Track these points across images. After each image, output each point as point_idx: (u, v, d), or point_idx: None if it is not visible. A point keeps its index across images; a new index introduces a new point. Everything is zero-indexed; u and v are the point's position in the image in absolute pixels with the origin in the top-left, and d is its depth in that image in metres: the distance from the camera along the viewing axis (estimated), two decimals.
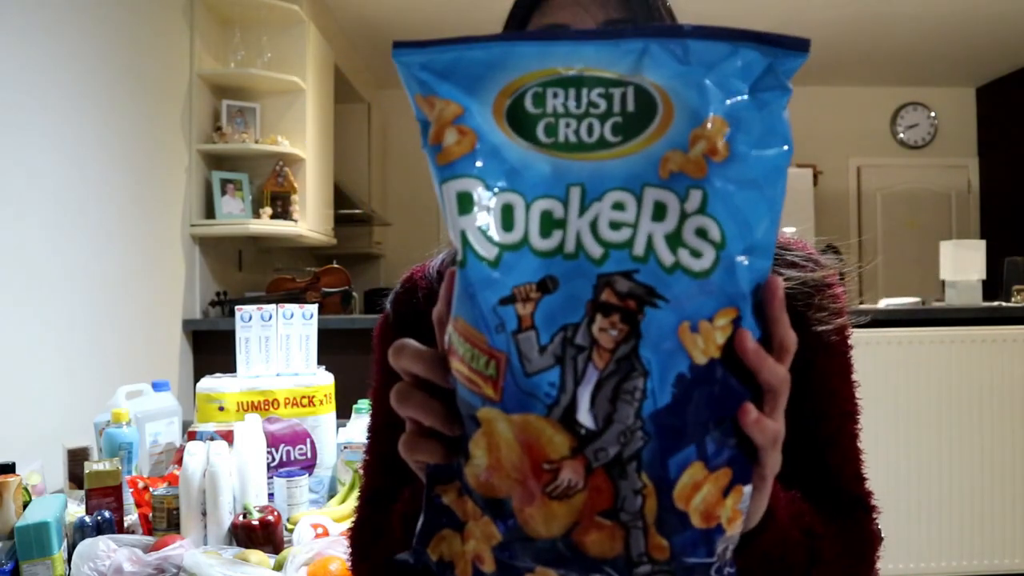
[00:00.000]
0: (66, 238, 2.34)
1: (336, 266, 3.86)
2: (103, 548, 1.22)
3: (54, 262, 2.27)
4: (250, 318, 1.85)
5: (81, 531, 1.32)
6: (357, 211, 4.71)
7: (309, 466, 1.67)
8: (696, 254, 0.40)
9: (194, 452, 1.38)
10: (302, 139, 3.52)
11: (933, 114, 6.14)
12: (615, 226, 0.40)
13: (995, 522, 2.96)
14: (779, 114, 0.42)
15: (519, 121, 0.42)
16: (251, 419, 1.57)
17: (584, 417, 0.40)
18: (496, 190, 0.41)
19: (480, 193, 0.41)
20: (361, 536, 0.75)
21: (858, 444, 0.71)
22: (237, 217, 3.28)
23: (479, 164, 0.42)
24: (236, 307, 1.88)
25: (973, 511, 2.96)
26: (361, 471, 0.81)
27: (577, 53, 0.42)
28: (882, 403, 2.93)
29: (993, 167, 5.99)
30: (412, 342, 0.46)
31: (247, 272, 3.77)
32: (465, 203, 0.41)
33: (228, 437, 1.51)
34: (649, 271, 0.40)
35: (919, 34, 4.96)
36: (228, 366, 1.91)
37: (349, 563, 0.76)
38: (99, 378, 2.43)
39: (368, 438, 0.80)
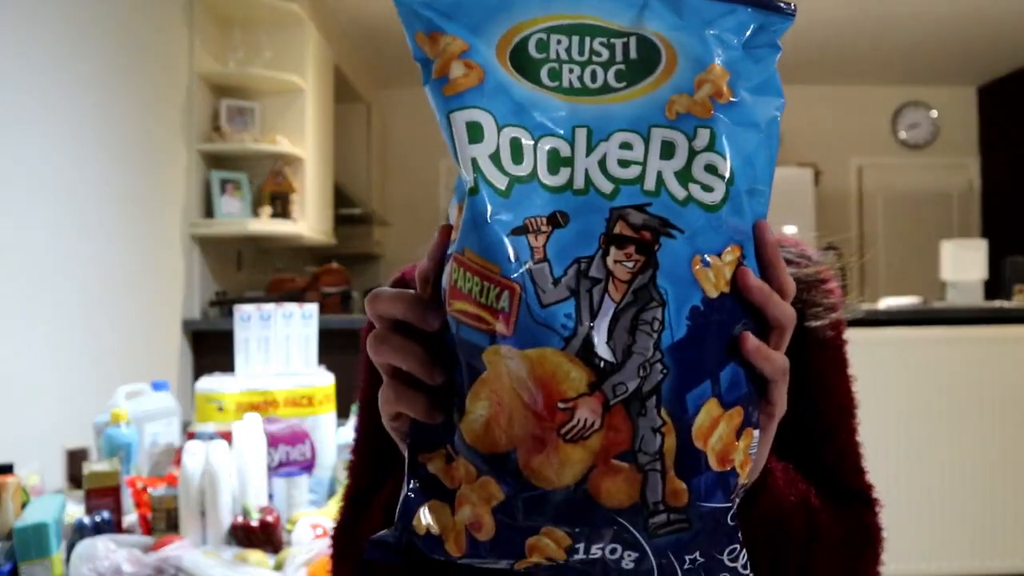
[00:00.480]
0: (66, 238, 2.33)
1: (336, 266, 3.86)
2: (102, 548, 1.21)
3: (54, 262, 2.27)
4: (249, 318, 1.85)
5: (80, 532, 1.32)
6: (357, 211, 4.70)
7: (309, 466, 1.67)
8: (707, 188, 0.41)
9: (193, 452, 1.38)
10: (302, 139, 3.52)
11: (934, 113, 6.14)
12: (624, 164, 0.41)
13: (995, 522, 2.96)
14: (772, 69, 0.45)
15: (523, 64, 0.43)
16: (250, 419, 1.56)
17: (602, 349, 0.39)
18: (504, 124, 0.42)
19: (489, 124, 0.42)
20: (343, 537, 0.74)
21: (856, 438, 0.70)
22: (236, 217, 3.27)
23: (487, 97, 0.42)
24: (235, 306, 1.88)
25: (974, 511, 2.96)
26: (346, 471, 0.80)
27: (580, 3, 0.43)
28: (883, 403, 2.92)
29: (994, 167, 5.98)
30: (387, 288, 0.45)
31: (247, 272, 3.77)
32: (475, 132, 0.42)
33: (227, 437, 1.51)
34: (662, 204, 0.41)
35: (920, 33, 4.95)
36: (228, 366, 1.91)
37: (330, 564, 0.74)
38: (98, 378, 2.43)
39: (354, 439, 0.78)
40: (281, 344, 1.87)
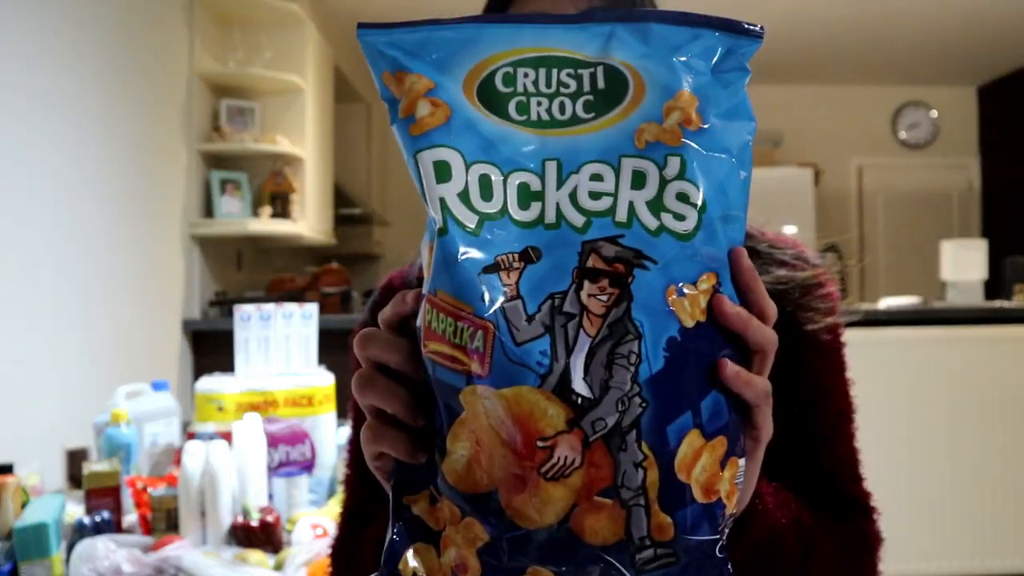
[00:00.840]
0: (66, 238, 2.33)
1: (336, 266, 3.86)
2: (102, 548, 1.21)
3: (54, 262, 2.27)
4: (249, 318, 1.85)
5: (80, 532, 1.31)
6: (357, 211, 4.71)
7: (309, 466, 1.67)
8: (679, 217, 0.41)
9: (193, 452, 1.38)
10: (302, 139, 3.52)
11: (934, 113, 6.14)
12: (595, 196, 0.41)
13: (995, 522, 2.96)
14: (742, 93, 0.44)
15: (490, 99, 0.43)
16: (250, 419, 1.56)
17: (579, 385, 0.38)
18: (472, 161, 0.42)
19: (457, 162, 0.42)
20: (339, 558, 0.73)
21: (855, 444, 0.70)
22: (236, 217, 3.27)
23: (454, 135, 0.42)
24: (235, 306, 1.88)
25: (974, 511, 2.96)
26: (342, 485, 0.78)
27: (546, 36, 0.43)
28: (883, 403, 2.92)
29: (994, 166, 5.98)
30: (382, 331, 0.45)
31: (247, 272, 3.77)
32: (443, 171, 0.41)
33: (227, 437, 1.51)
34: (634, 235, 0.40)
35: (920, 33, 4.95)
36: (228, 366, 1.91)
37: None
38: (98, 378, 2.43)
39: (348, 451, 0.76)
40: (281, 344, 1.87)
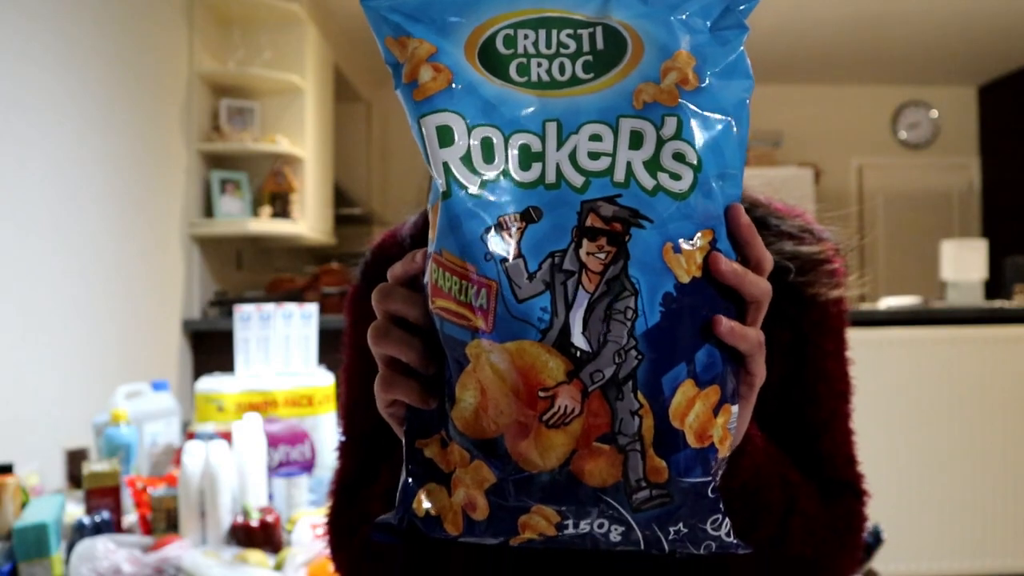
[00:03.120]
0: (65, 238, 2.33)
1: (336, 266, 3.86)
2: (102, 548, 1.21)
3: (53, 262, 2.27)
4: (249, 318, 1.85)
5: (80, 532, 1.31)
6: (357, 211, 4.71)
7: (308, 466, 1.67)
8: (675, 177, 0.42)
9: (193, 452, 1.38)
10: (301, 139, 3.52)
11: (934, 113, 6.14)
12: (594, 156, 0.42)
13: (995, 522, 2.96)
14: (740, 51, 0.45)
15: (491, 61, 0.44)
16: (250, 419, 1.56)
17: (578, 339, 0.40)
18: (474, 124, 0.43)
19: (459, 126, 0.43)
20: (337, 525, 0.73)
21: (850, 425, 0.69)
22: (236, 217, 3.27)
23: (456, 99, 0.43)
24: (235, 306, 1.88)
25: (974, 511, 2.96)
26: (336, 453, 0.79)
27: None
28: (883, 403, 2.92)
29: (995, 166, 5.98)
30: (399, 287, 0.47)
31: (247, 272, 3.77)
32: (446, 136, 0.43)
33: (227, 437, 1.51)
34: (632, 195, 0.42)
35: (920, 33, 4.95)
36: (228, 366, 1.91)
37: (327, 551, 0.74)
38: (98, 378, 2.43)
39: (343, 419, 0.76)
40: (281, 344, 1.87)
